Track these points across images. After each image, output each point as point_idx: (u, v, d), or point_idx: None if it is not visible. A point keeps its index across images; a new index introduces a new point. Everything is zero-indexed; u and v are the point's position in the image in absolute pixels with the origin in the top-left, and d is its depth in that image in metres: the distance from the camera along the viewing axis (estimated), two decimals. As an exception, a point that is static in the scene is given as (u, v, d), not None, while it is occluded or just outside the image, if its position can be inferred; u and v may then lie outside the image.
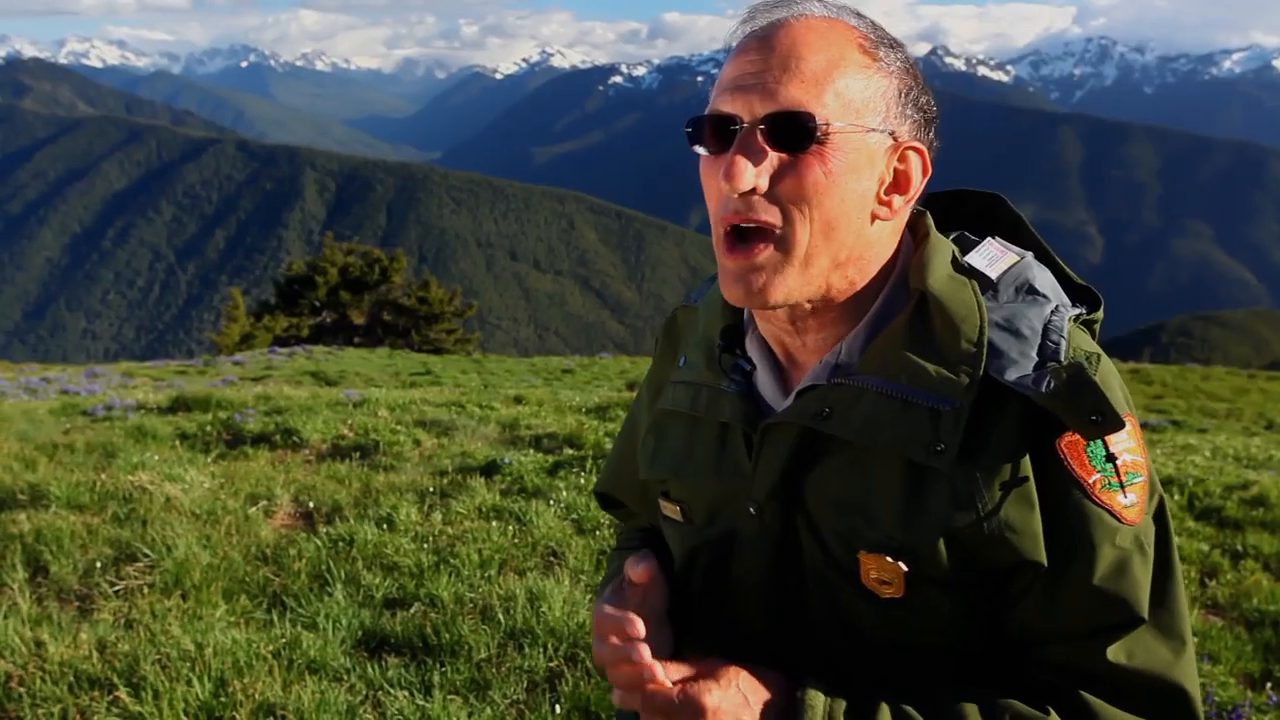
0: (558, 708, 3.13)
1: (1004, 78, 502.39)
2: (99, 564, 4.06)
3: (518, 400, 9.27)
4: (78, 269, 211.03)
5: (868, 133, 0.99)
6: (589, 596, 3.93)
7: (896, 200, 1.03)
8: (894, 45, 1.04)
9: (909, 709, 1.00)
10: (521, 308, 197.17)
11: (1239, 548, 5.17)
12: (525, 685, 3.28)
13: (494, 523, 4.81)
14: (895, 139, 1.02)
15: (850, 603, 1.05)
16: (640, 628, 1.00)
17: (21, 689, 3.04)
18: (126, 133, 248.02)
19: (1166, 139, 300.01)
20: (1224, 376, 31.04)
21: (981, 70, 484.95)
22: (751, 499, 1.09)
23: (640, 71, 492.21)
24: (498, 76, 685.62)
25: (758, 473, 1.09)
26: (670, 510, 1.22)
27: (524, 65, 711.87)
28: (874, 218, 1.02)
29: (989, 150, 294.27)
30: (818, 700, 0.99)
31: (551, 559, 4.44)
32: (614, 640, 1.02)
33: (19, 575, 3.92)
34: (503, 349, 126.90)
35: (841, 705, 0.99)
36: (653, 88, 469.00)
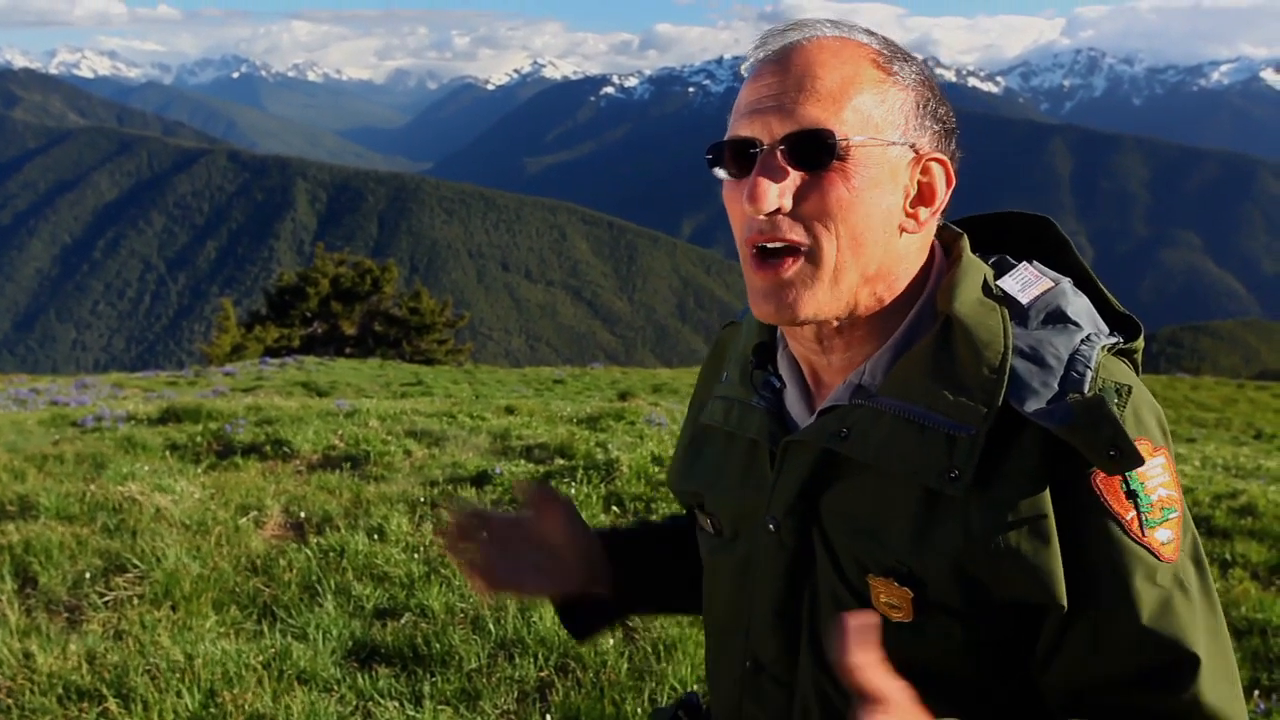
0: (548, 717, 3.13)
1: (994, 89, 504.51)
2: (88, 575, 4.05)
3: (509, 411, 9.25)
4: (68, 280, 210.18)
5: (888, 146, 1.00)
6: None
7: (923, 212, 1.04)
8: (908, 59, 1.04)
9: None
10: (513, 318, 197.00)
11: (1227, 556, 5.18)
12: (516, 695, 3.28)
13: (485, 533, 4.81)
14: (916, 151, 1.02)
15: None
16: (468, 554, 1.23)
17: (10, 700, 3.03)
18: (117, 143, 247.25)
19: (1156, 150, 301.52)
20: (1213, 386, 31.26)
21: (972, 81, 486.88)
22: (770, 515, 1.10)
23: (632, 82, 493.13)
24: (489, 87, 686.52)
25: (777, 489, 1.10)
26: (703, 522, 1.25)
27: (515, 76, 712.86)
28: (901, 230, 1.02)
29: (980, 161, 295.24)
30: None
31: (542, 569, 4.44)
32: (450, 546, 1.26)
33: (8, 586, 3.91)
34: (494, 360, 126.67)
35: None
36: (644, 98, 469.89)
